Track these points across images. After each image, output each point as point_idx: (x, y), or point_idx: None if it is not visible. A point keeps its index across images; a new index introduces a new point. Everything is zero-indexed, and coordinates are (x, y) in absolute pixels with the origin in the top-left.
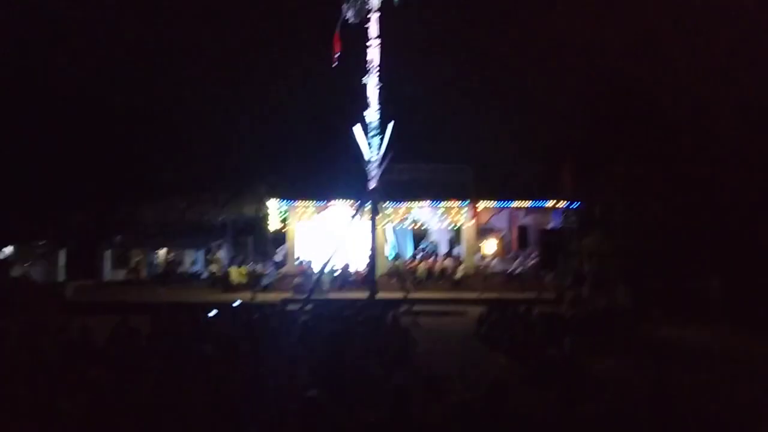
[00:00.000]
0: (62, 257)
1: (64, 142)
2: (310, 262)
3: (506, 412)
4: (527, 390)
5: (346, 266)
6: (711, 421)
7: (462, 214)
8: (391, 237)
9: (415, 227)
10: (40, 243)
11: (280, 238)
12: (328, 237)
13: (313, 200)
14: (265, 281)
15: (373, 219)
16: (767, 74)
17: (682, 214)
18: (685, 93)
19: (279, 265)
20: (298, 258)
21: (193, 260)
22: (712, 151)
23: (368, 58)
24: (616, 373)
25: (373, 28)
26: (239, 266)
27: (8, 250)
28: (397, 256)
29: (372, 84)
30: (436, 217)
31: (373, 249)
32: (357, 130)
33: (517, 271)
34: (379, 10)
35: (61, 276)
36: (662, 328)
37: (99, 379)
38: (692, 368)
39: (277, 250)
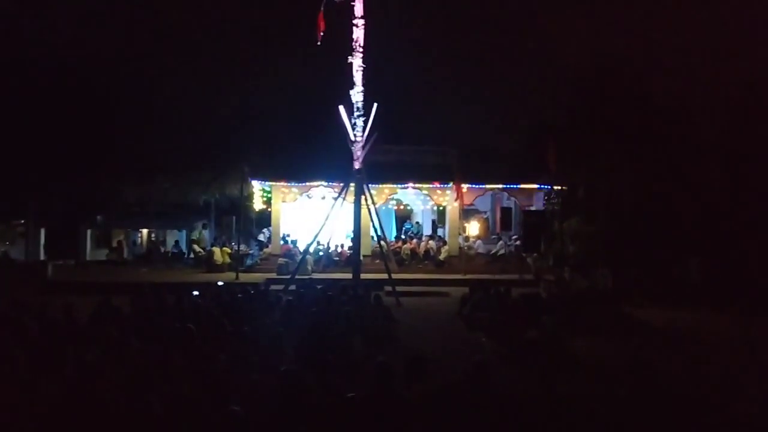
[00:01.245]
0: (42, 237)
1: (44, 120)
2: (294, 242)
3: (487, 391)
4: (508, 369)
5: (330, 247)
6: (689, 401)
7: (446, 196)
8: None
9: (400, 208)
10: (20, 222)
11: (264, 218)
12: (312, 217)
13: (297, 181)
14: (249, 261)
15: (357, 200)
16: (751, 59)
17: (664, 198)
18: (669, 77)
19: (263, 245)
20: (282, 238)
21: (176, 240)
22: (695, 136)
23: (353, 37)
24: (596, 354)
25: (358, 7)
26: (223, 246)
27: None
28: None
29: (356, 64)
30: (420, 199)
31: (357, 230)
32: (341, 110)
33: (500, 253)
34: None
35: (42, 256)
36: (642, 310)
37: (81, 358)
38: (671, 349)
39: (263, 231)
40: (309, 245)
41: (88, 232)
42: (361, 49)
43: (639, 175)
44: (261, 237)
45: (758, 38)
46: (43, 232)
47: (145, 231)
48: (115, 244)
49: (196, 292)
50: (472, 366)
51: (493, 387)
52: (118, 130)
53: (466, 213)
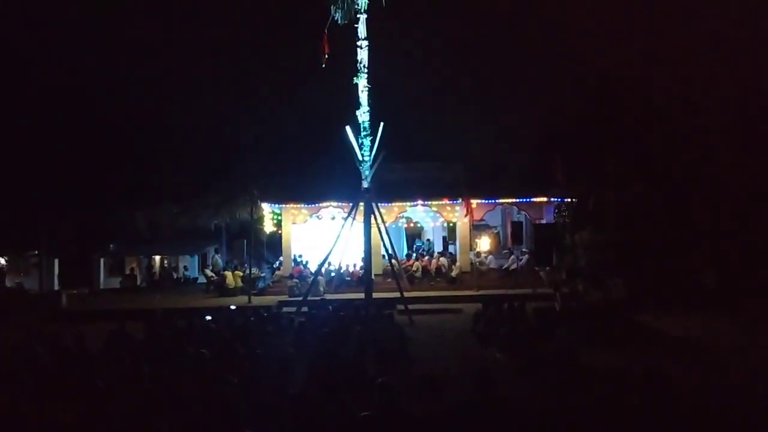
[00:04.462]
0: (56, 266)
1: (54, 150)
2: (306, 263)
3: (495, 403)
4: (522, 383)
5: (342, 267)
6: (705, 412)
7: (456, 212)
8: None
9: (410, 226)
10: (33, 253)
11: (275, 240)
12: (322, 238)
13: (306, 202)
14: (261, 284)
15: (366, 219)
16: (757, 67)
17: (675, 205)
18: (676, 85)
19: (275, 268)
20: (294, 260)
21: (185, 265)
22: (705, 144)
23: (358, 58)
24: (610, 364)
25: (362, 28)
26: (235, 270)
27: (1, 261)
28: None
29: (362, 84)
30: (429, 216)
31: (368, 249)
32: (348, 131)
33: (512, 267)
34: (366, 11)
35: (56, 286)
36: (657, 320)
37: (94, 386)
38: (686, 359)
39: (279, 258)
40: (320, 266)
41: (102, 260)
42: (365, 70)
43: (649, 184)
44: (275, 263)
45: (762, 39)
46: (56, 262)
47: (157, 257)
48: (128, 272)
49: (208, 317)
50: (474, 378)
51: (501, 398)
52: (127, 157)
53: (477, 228)
